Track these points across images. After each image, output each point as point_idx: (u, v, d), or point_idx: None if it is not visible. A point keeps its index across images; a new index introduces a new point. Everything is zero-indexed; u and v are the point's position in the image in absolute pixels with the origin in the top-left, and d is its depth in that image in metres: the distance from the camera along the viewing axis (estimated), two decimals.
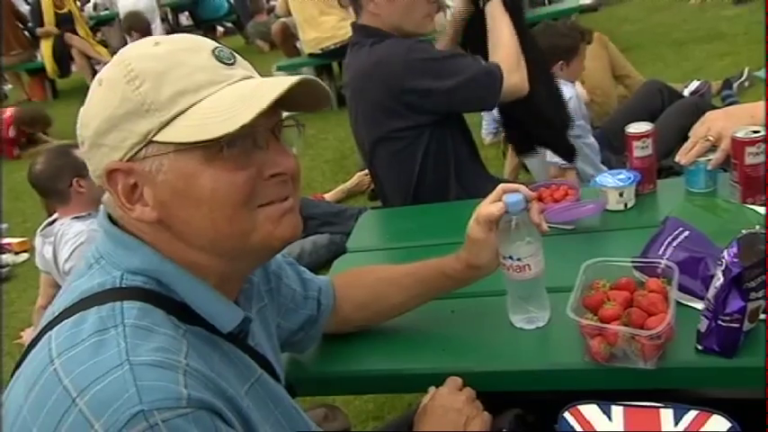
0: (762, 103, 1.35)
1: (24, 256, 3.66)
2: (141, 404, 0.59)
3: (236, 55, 0.75)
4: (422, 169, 1.74)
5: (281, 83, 0.70)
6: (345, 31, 4.67)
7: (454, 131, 1.78)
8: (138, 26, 6.67)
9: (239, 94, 0.70)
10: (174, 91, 0.69)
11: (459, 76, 1.62)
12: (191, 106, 0.69)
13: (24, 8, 7.90)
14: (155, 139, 0.69)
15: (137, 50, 0.73)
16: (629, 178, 1.39)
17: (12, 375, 0.71)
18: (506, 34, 1.67)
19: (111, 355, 0.62)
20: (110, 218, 0.77)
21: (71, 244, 2.28)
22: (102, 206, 0.78)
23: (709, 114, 1.39)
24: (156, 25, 7.32)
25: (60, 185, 2.29)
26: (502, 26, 1.68)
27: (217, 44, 0.74)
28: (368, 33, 1.70)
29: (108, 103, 0.70)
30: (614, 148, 2.64)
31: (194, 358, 0.66)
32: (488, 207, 0.99)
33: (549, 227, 1.04)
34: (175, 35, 0.76)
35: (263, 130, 0.72)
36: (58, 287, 2.54)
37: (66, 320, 0.68)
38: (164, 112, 0.69)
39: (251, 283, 0.89)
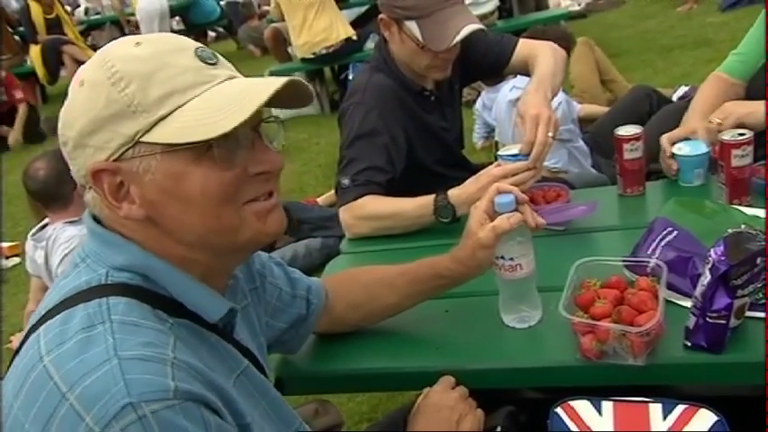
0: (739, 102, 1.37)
1: (15, 260, 3.64)
2: (129, 396, 0.60)
3: (217, 54, 0.77)
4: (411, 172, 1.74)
5: (267, 85, 0.72)
6: (337, 35, 4.70)
7: (431, 148, 1.73)
8: None
9: (227, 96, 0.71)
10: (162, 92, 0.70)
11: (351, 155, 1.56)
12: (179, 107, 0.70)
13: (13, 7, 7.86)
14: (142, 139, 0.70)
15: (119, 51, 0.73)
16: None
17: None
18: (406, 205, 1.49)
19: (100, 351, 0.63)
20: (93, 218, 0.78)
21: (63, 248, 2.27)
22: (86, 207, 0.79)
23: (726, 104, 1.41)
24: (166, 26, 7.37)
25: (65, 189, 2.28)
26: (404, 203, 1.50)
27: (198, 44, 0.76)
28: (379, 54, 1.67)
29: (92, 104, 0.70)
30: (604, 152, 2.66)
31: (182, 350, 0.67)
32: (503, 222, 0.99)
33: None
34: (155, 34, 0.77)
35: (247, 129, 0.74)
36: None
37: (53, 319, 0.68)
38: (151, 113, 0.70)
39: (236, 279, 0.91)
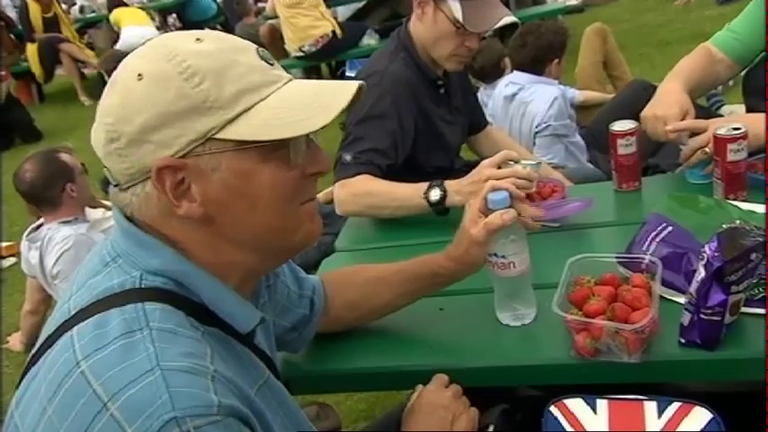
0: (759, 116, 1.35)
1: (12, 260, 3.64)
2: (174, 411, 0.59)
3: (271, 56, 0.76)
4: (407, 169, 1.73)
5: (343, 87, 0.73)
6: (321, 31, 4.70)
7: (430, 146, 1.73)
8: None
9: (304, 96, 0.72)
10: (236, 90, 0.69)
11: (358, 133, 1.56)
12: (254, 105, 0.69)
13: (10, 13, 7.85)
14: (215, 136, 0.68)
15: (184, 46, 0.70)
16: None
17: (22, 376, 0.70)
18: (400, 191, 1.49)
19: (141, 360, 0.62)
20: (126, 217, 0.75)
21: (58, 249, 2.27)
22: (114, 204, 0.76)
23: (712, 123, 1.37)
24: None
25: (53, 192, 2.29)
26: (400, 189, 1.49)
27: (255, 44, 0.75)
28: (399, 40, 1.68)
29: (158, 98, 0.68)
30: (600, 147, 2.65)
31: (218, 362, 0.66)
32: (496, 218, 0.99)
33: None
34: (208, 32, 0.74)
35: None
36: (45, 292, 2.55)
37: (86, 320, 0.67)
38: (227, 110, 0.68)
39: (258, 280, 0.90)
